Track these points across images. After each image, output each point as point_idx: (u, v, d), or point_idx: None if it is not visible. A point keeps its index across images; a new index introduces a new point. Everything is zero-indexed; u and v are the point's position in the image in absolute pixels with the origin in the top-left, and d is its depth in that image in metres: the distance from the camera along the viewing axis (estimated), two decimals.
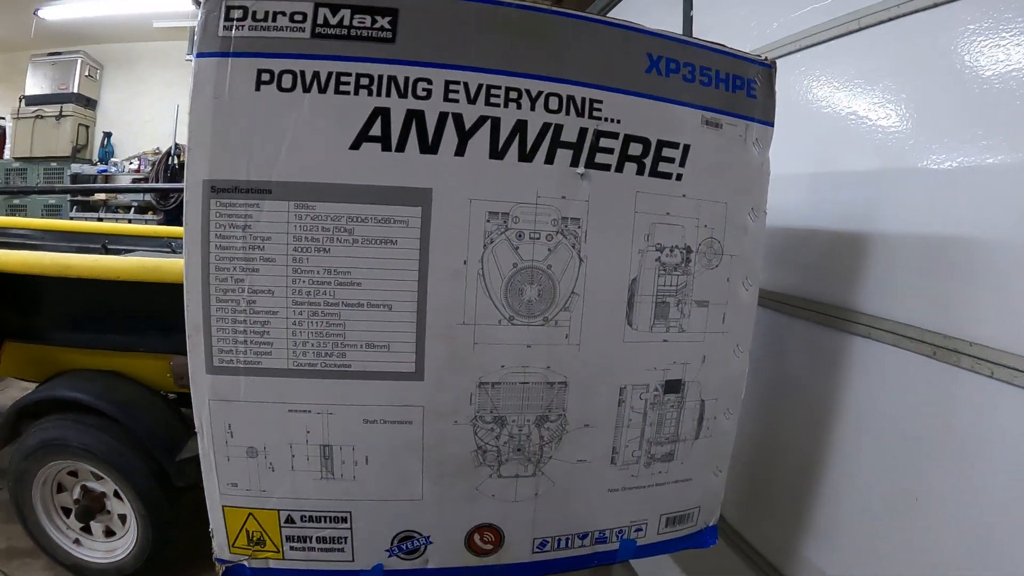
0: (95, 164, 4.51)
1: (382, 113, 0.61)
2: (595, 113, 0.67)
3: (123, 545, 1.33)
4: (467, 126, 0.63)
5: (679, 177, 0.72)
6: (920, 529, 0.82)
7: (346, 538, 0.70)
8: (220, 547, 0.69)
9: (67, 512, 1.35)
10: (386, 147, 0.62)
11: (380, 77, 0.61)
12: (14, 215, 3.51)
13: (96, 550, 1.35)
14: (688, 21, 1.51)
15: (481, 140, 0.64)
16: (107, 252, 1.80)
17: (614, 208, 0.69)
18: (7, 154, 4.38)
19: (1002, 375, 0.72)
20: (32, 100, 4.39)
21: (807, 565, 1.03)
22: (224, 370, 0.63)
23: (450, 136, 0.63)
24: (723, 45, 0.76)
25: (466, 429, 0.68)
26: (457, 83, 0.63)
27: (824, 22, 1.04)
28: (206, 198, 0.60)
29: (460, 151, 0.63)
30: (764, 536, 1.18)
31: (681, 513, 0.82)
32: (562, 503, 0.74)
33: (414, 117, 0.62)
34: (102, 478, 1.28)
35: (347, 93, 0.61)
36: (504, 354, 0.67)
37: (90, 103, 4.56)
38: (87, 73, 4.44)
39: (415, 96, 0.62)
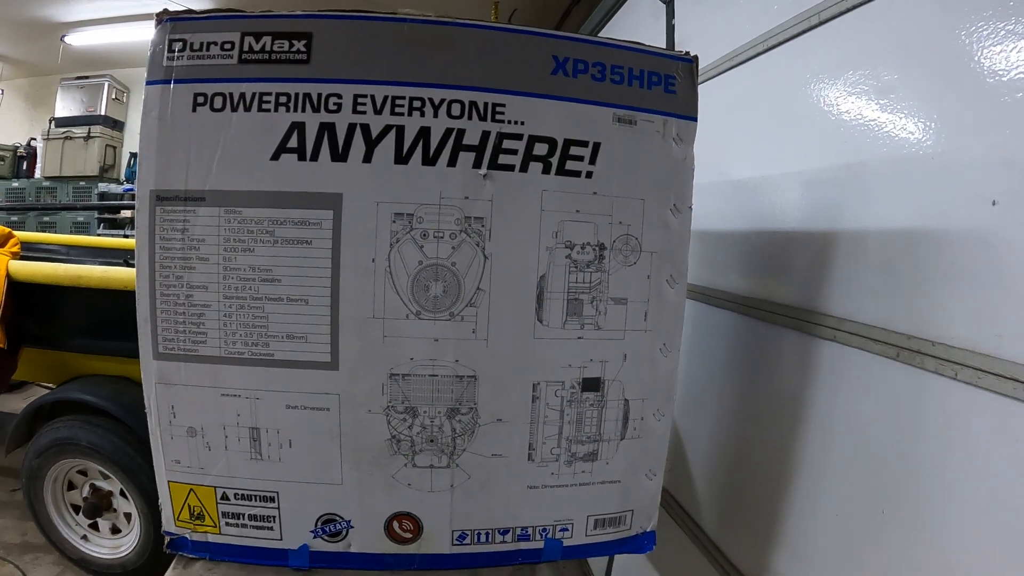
0: (122, 183, 4.80)
1: (298, 127, 0.70)
2: (498, 116, 0.71)
3: (128, 542, 1.46)
4: (374, 135, 0.70)
5: (589, 175, 0.74)
6: (886, 544, 0.77)
7: (274, 517, 0.76)
8: (167, 520, 0.79)
9: (76, 509, 1.49)
10: (301, 157, 0.70)
11: (297, 95, 0.70)
12: (45, 231, 3.81)
13: (102, 546, 1.49)
14: (670, 31, 1.53)
15: (387, 148, 0.70)
16: (128, 266, 2.02)
17: (519, 207, 0.72)
18: (38, 173, 4.71)
19: (967, 376, 0.67)
20: (61, 122, 4.66)
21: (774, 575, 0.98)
22: (167, 356, 0.73)
23: (358, 145, 0.70)
24: (639, 43, 0.78)
25: (380, 418, 0.73)
26: (365, 96, 0.70)
27: (786, 20, 1.02)
28: (152, 206, 0.71)
29: (367, 158, 0.70)
30: (741, 549, 1.12)
31: (611, 516, 0.82)
32: (480, 497, 0.77)
33: (326, 129, 0.70)
34: (109, 477, 1.42)
35: (268, 111, 0.70)
36: (413, 347, 0.72)
37: (117, 124, 4.84)
38: (114, 96, 4.71)
39: (327, 110, 0.70)
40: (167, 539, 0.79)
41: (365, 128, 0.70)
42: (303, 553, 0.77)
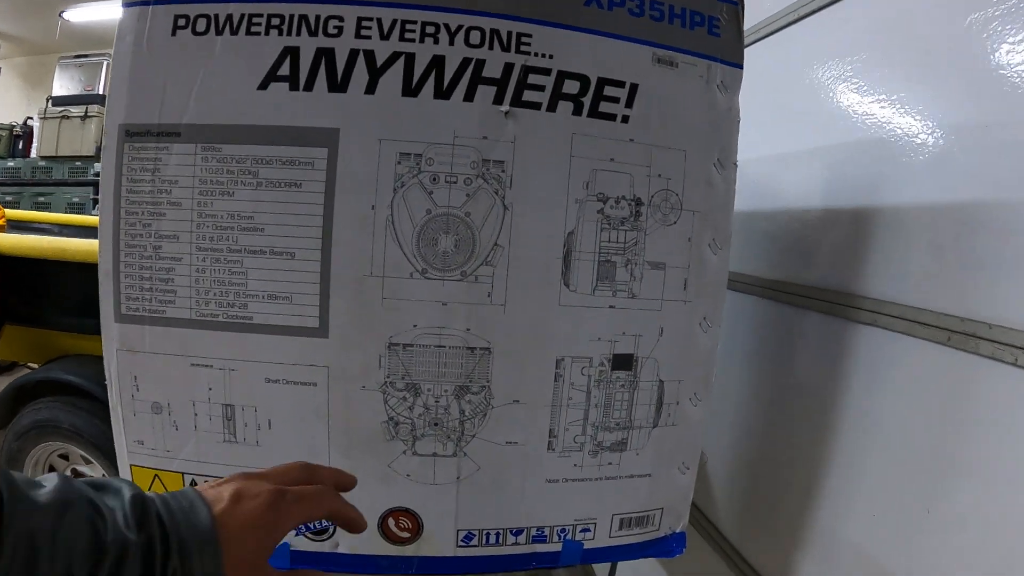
0: None
1: (291, 52, 0.54)
2: (523, 48, 0.56)
3: None
4: (379, 63, 0.55)
5: (625, 119, 0.59)
6: (932, 546, 0.61)
7: None
8: None
9: None
10: (294, 86, 0.54)
11: (291, 16, 0.54)
12: (39, 211, 3.47)
13: None
14: None
15: (393, 77, 0.55)
16: None
17: (545, 150, 0.56)
18: (34, 152, 4.30)
19: None
20: (59, 101, 4.23)
21: None
22: (131, 318, 0.57)
23: (360, 74, 0.54)
24: None
25: (375, 396, 0.57)
26: (370, 19, 0.54)
27: None
28: (120, 142, 0.56)
29: (370, 89, 0.54)
30: (761, 551, 0.95)
31: (638, 514, 0.64)
32: (490, 491, 0.60)
33: (324, 55, 0.55)
34: (91, 462, 1.25)
35: (258, 33, 0.54)
36: (417, 312, 0.55)
37: None
38: None
39: (325, 34, 0.54)
40: None
41: (369, 55, 0.54)
42: (283, 552, 0.59)
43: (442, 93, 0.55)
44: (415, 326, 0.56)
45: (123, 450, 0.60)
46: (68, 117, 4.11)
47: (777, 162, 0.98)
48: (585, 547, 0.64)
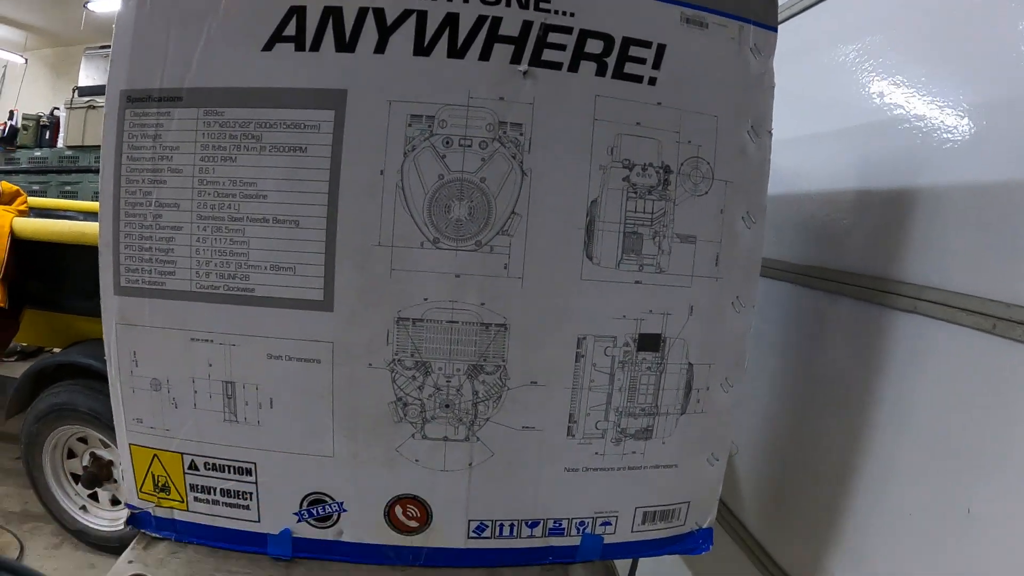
0: None
1: (298, 11, 0.49)
2: (542, 5, 0.50)
3: (127, 515, 1.26)
4: (389, 21, 0.49)
5: (652, 81, 0.53)
6: (973, 549, 0.54)
7: (251, 493, 0.54)
8: (129, 491, 0.57)
9: (76, 479, 1.29)
10: (300, 47, 0.49)
11: None
12: (66, 199, 3.40)
13: (101, 518, 1.28)
14: None
15: (404, 36, 0.49)
16: None
17: (566, 113, 0.50)
18: (60, 142, 4.24)
19: None
20: (85, 91, 4.17)
21: None
22: (130, 291, 0.52)
23: (369, 32, 0.49)
24: None
25: (382, 374, 0.51)
26: None
27: None
28: (121, 109, 0.51)
29: (380, 48, 0.49)
30: (789, 550, 0.87)
31: (663, 508, 0.57)
32: (504, 479, 0.54)
33: (331, 14, 0.49)
34: (110, 446, 1.21)
35: None
36: (428, 284, 0.49)
37: None
38: None
39: None
40: (128, 513, 0.58)
41: (379, 13, 0.49)
42: (285, 539, 0.54)
43: (456, 52, 0.50)
44: (426, 300, 0.50)
45: (122, 429, 0.55)
46: (94, 107, 4.03)
47: (808, 143, 0.91)
48: (605, 542, 0.57)
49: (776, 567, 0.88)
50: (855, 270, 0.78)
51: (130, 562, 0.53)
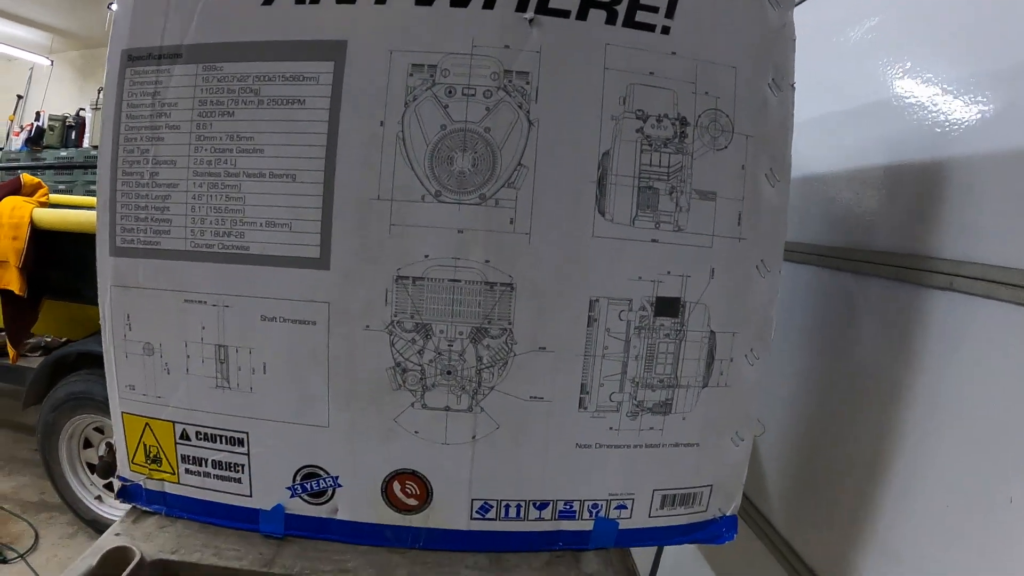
0: None
1: None
2: None
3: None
4: None
5: (666, 30, 0.48)
6: (1016, 540, 0.46)
7: (243, 466, 0.49)
8: (121, 463, 0.52)
9: (92, 468, 1.25)
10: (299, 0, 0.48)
11: None
12: (90, 196, 3.46)
13: (117, 508, 1.24)
14: None
15: None
16: None
17: (575, 61, 0.45)
18: (86, 142, 4.21)
19: None
20: None
21: None
22: (125, 251, 0.49)
23: None
24: None
25: (380, 337, 0.46)
26: None
27: None
28: (122, 68, 0.49)
29: None
30: (817, 548, 0.78)
31: (684, 491, 0.50)
32: (511, 455, 0.47)
33: None
34: None
35: None
36: (429, 240, 0.44)
37: None
38: None
39: None
40: (118, 485, 0.53)
41: None
42: (277, 516, 0.49)
43: (459, 0, 0.46)
44: (426, 257, 0.45)
45: (115, 397, 0.51)
46: None
47: (832, 121, 0.85)
48: (620, 527, 0.50)
49: (802, 564, 0.79)
50: (885, 248, 0.71)
51: (117, 535, 0.48)
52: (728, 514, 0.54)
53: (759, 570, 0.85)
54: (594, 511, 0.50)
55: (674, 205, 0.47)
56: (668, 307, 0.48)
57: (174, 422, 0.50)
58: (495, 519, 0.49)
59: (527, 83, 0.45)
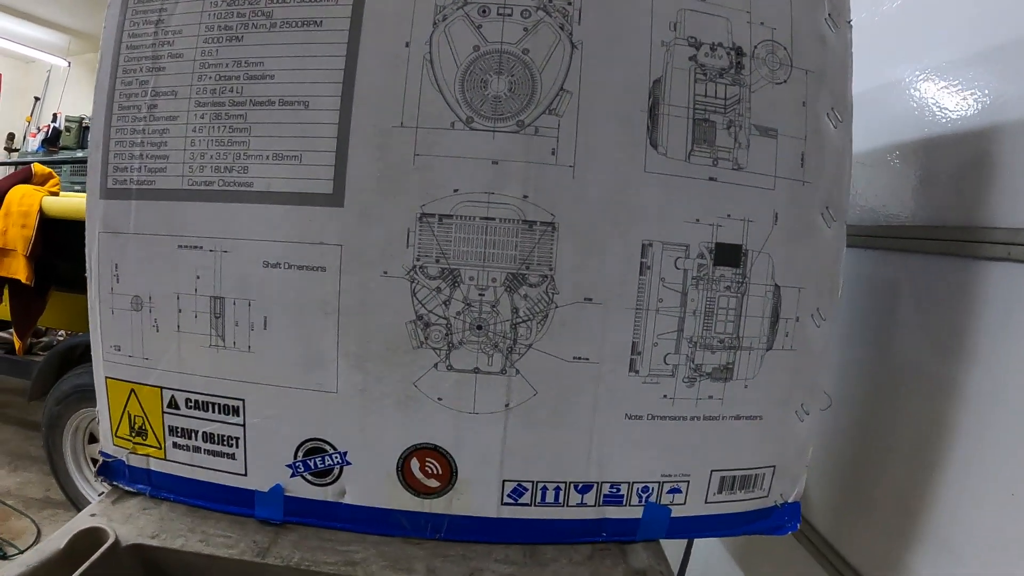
0: None
1: None
2: None
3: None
4: None
5: None
6: None
7: (238, 439, 0.40)
8: (105, 437, 0.43)
9: (96, 463, 1.18)
10: None
11: None
12: None
13: None
14: None
15: None
16: None
17: None
18: None
19: None
20: None
21: None
22: (117, 193, 0.41)
23: None
24: None
25: (400, 285, 0.37)
26: None
27: None
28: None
29: None
30: (864, 549, 0.67)
31: (744, 472, 0.41)
32: (550, 427, 0.38)
33: None
34: None
35: None
36: (459, 172, 0.36)
37: None
38: None
39: None
40: (99, 461, 0.44)
41: None
42: (275, 498, 0.39)
43: None
44: (456, 191, 0.36)
45: (99, 360, 0.42)
46: None
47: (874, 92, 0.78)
48: (673, 514, 0.40)
49: (847, 566, 0.68)
50: (934, 223, 0.63)
51: (92, 515, 0.39)
52: (791, 501, 0.44)
53: (796, 572, 0.74)
54: (644, 495, 0.39)
55: (733, 140, 0.39)
56: (729, 255, 0.39)
57: (162, 388, 0.41)
58: (529, 504, 0.39)
59: (569, 3, 0.38)
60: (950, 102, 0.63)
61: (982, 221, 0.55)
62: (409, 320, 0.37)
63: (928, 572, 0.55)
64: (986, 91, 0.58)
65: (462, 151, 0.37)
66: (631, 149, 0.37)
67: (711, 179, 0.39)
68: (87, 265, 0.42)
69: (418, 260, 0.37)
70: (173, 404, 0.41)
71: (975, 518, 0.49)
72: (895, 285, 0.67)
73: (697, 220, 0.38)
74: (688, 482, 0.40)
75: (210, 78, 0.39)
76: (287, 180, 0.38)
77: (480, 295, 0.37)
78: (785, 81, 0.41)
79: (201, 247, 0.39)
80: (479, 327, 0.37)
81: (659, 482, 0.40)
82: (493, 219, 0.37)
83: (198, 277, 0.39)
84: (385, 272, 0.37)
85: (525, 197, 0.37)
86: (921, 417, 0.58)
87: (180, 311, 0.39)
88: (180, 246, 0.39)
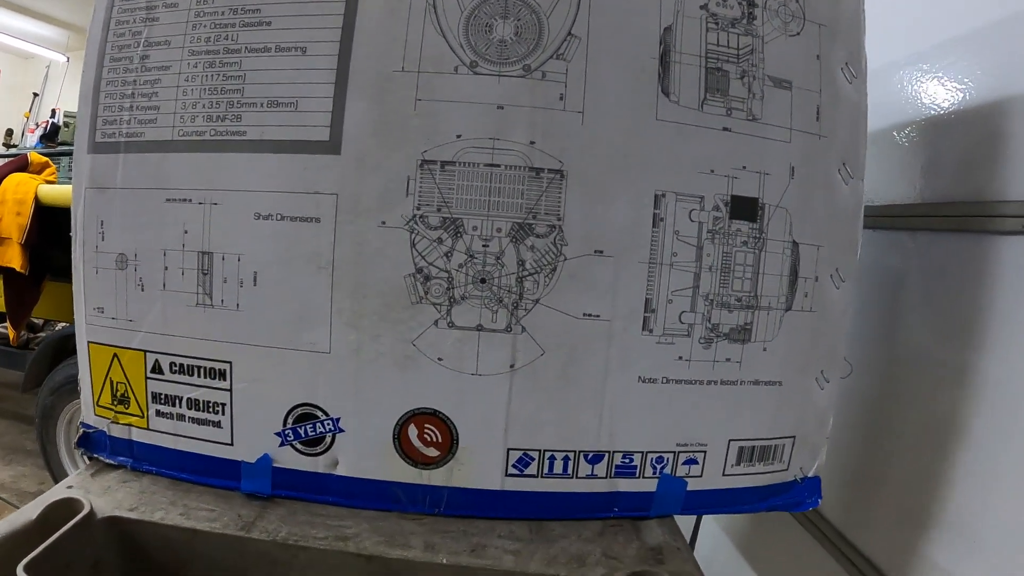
0: None
1: None
2: None
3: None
4: None
5: None
6: None
7: (224, 405, 0.35)
8: (86, 406, 0.38)
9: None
10: None
11: None
12: None
13: None
14: None
15: None
16: None
17: None
18: None
19: None
20: None
21: (939, 574, 0.49)
22: (105, 147, 0.37)
23: None
24: None
25: (399, 236, 0.33)
26: None
27: None
28: None
29: None
30: (879, 539, 0.61)
31: (763, 443, 0.36)
32: (558, 390, 0.33)
33: None
34: None
35: None
36: (462, 117, 0.33)
37: None
38: None
39: None
40: (79, 432, 0.39)
41: None
42: (263, 470, 0.34)
43: None
44: (458, 137, 0.33)
45: (82, 323, 0.38)
46: None
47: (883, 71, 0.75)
48: (689, 487, 0.35)
49: (861, 558, 0.62)
50: (943, 199, 0.59)
51: (69, 487, 0.34)
52: (811, 475, 0.40)
53: (809, 569, 0.68)
54: (659, 466, 0.35)
55: (747, 90, 0.36)
56: (745, 208, 0.35)
57: (145, 351, 0.36)
58: (536, 475, 0.34)
59: None
60: (956, 78, 0.60)
61: (993, 195, 0.52)
62: (408, 273, 0.33)
63: (945, 559, 0.50)
64: (996, 62, 0.55)
65: (466, 96, 0.33)
66: (642, 96, 0.34)
67: (725, 129, 0.35)
68: (72, 224, 0.38)
69: (418, 209, 0.33)
70: (157, 369, 0.36)
71: (993, 503, 0.45)
72: (910, 261, 0.63)
73: (712, 171, 0.35)
74: (705, 452, 0.36)
75: (205, 26, 0.36)
76: (281, 128, 0.34)
77: (484, 246, 0.33)
78: (798, 33, 0.38)
79: (190, 199, 0.35)
80: (483, 280, 0.33)
81: (674, 452, 0.35)
82: (498, 166, 0.33)
83: (186, 232, 0.35)
84: (383, 222, 0.33)
85: (532, 143, 0.33)
86: (935, 394, 0.54)
87: (167, 268, 0.35)
88: (168, 199, 0.35)
